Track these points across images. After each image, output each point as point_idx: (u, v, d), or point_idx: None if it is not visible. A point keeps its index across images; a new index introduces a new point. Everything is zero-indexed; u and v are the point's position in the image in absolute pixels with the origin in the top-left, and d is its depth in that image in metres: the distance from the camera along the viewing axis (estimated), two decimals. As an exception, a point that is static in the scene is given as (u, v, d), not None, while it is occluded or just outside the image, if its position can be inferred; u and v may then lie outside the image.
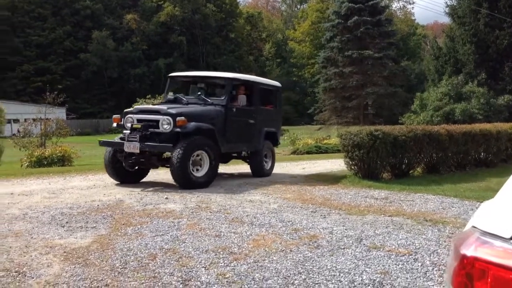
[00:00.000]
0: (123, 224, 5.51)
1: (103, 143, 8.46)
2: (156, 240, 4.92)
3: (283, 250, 4.65)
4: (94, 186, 8.26)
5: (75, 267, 4.13)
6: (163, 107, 8.25)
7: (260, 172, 9.73)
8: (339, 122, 41.14)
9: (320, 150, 18.46)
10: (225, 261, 4.31)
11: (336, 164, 12.26)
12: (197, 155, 7.96)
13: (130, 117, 8.18)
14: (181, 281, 3.85)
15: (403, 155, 9.50)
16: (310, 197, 7.55)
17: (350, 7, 41.02)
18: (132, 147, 7.72)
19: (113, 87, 58.96)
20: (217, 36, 65.24)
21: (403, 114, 34.14)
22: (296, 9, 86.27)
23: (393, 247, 4.74)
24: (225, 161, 9.99)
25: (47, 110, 17.76)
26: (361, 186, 8.61)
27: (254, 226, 5.55)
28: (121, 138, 8.19)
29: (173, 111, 7.97)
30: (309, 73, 63.05)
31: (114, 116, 8.77)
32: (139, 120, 8.09)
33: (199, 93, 9.37)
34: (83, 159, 15.12)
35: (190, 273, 4.03)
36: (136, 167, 8.37)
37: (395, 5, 68.63)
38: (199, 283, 3.82)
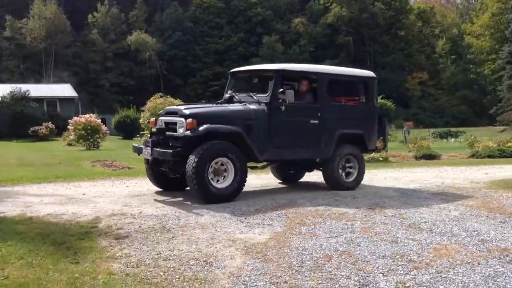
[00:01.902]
0: (297, 223, 5.61)
1: (135, 149, 7.71)
2: (331, 241, 4.90)
3: (469, 262, 4.26)
4: (267, 185, 8.59)
5: (255, 261, 4.32)
6: (182, 107, 7.20)
7: (335, 184, 7.92)
8: (526, 123, 36.82)
9: (504, 154, 16.64)
10: (404, 269, 4.11)
11: (525, 170, 10.94)
12: (220, 164, 6.75)
13: (160, 120, 7.34)
14: (358, 285, 3.77)
15: None
16: (497, 205, 6.82)
17: (541, -7, 36.45)
18: (147, 153, 7.06)
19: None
20: (385, 34, 63.40)
21: None
22: (473, 1, 79.65)
23: None
24: (310, 169, 8.70)
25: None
26: (560, 196, 7.52)
27: (433, 233, 5.20)
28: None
29: (187, 111, 6.87)
30: (489, 70, 57.78)
31: (151, 119, 7.76)
32: (165, 123, 7.19)
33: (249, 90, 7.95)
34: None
35: (367, 278, 3.92)
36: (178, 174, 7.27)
37: None
38: (377, 289, 3.70)
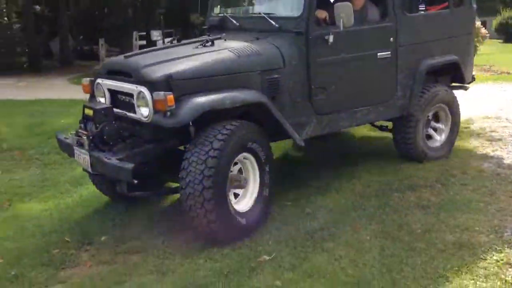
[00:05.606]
0: None
1: (61, 146, 3.89)
2: None
3: None
4: None
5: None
6: (139, 60, 3.52)
7: (412, 152, 4.43)
8: None
9: None
10: None
11: None
12: (239, 168, 3.48)
13: (100, 85, 3.75)
14: None
15: None
16: None
17: None
18: (84, 162, 3.45)
19: None
20: None
21: None
22: None
23: None
24: None
25: None
26: None
27: None
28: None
29: (153, 73, 3.29)
30: None
31: (83, 80, 4.04)
32: (111, 92, 3.69)
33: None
34: None
35: None
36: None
37: None
38: None
